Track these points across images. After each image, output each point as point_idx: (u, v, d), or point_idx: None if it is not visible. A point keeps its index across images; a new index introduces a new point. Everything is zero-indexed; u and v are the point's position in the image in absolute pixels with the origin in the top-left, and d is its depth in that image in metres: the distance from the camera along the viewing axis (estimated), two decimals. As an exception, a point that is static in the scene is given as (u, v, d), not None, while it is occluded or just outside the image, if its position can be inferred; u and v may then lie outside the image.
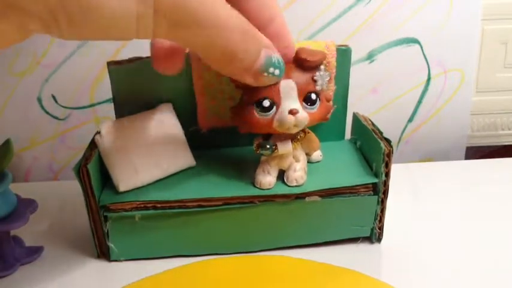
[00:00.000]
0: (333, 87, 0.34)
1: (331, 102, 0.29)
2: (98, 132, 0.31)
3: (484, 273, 0.29)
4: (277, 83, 0.27)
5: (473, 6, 0.45)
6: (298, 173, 0.30)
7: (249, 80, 0.25)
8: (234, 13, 0.22)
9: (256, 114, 0.28)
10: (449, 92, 0.48)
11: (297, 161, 0.30)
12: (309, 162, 0.33)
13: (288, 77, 0.27)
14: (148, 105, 0.32)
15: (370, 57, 0.46)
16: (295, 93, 0.27)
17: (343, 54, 0.34)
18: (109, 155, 0.30)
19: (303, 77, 0.28)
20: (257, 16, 0.25)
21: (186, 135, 0.33)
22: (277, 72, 0.25)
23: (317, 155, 0.33)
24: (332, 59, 0.33)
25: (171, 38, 0.21)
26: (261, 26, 0.25)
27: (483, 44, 0.46)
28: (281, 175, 0.30)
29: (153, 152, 0.31)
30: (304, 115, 0.27)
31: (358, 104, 0.47)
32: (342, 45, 0.34)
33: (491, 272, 0.29)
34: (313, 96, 0.28)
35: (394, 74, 0.47)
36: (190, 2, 0.20)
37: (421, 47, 0.46)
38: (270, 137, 0.29)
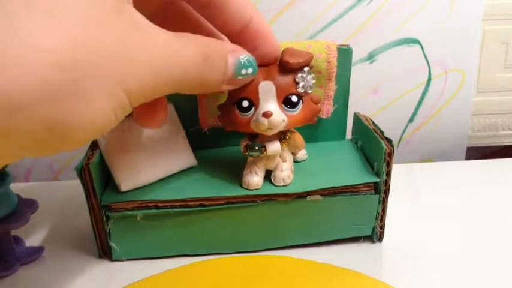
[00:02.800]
0: (333, 86, 0.34)
1: (319, 105, 0.29)
2: (99, 132, 0.31)
3: (484, 273, 0.29)
4: (256, 84, 0.27)
5: (474, 6, 0.45)
6: (285, 172, 0.30)
7: (227, 88, 0.25)
8: (191, 44, 0.21)
9: (238, 113, 0.28)
10: (450, 93, 0.48)
11: (284, 160, 0.30)
12: (294, 161, 0.33)
13: (268, 78, 0.27)
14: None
15: (370, 57, 0.46)
16: (273, 94, 0.27)
17: (344, 54, 0.34)
18: (111, 155, 0.30)
19: (284, 78, 0.27)
20: (233, 21, 0.25)
21: (187, 135, 0.33)
22: (250, 71, 0.25)
23: (302, 154, 0.33)
24: (333, 58, 0.33)
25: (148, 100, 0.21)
26: (239, 29, 0.25)
27: (484, 45, 0.46)
28: (268, 175, 0.30)
29: (155, 152, 0.31)
30: (280, 118, 0.27)
31: (359, 104, 0.47)
32: (343, 45, 0.34)
33: (491, 272, 0.29)
34: (294, 98, 0.27)
35: (394, 74, 0.47)
36: (158, 74, 0.20)
37: (422, 48, 0.46)
38: (256, 138, 0.29)
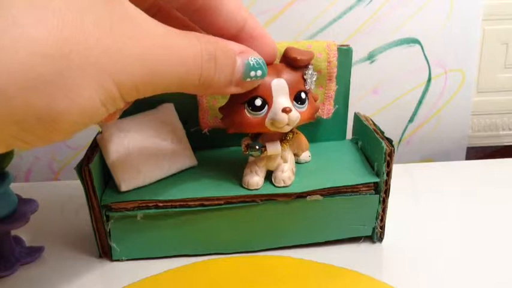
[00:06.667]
0: (334, 87, 0.34)
1: (320, 105, 0.29)
2: (100, 133, 0.31)
3: (484, 273, 0.29)
4: (269, 82, 0.27)
5: (474, 6, 0.45)
6: (286, 173, 0.30)
7: (235, 90, 0.24)
8: (193, 42, 0.21)
9: (247, 113, 0.27)
10: (450, 93, 0.48)
11: (285, 161, 0.30)
12: (297, 162, 0.33)
13: (279, 76, 0.27)
14: (150, 105, 0.32)
15: (370, 57, 0.46)
16: (286, 92, 0.27)
17: (345, 54, 0.34)
18: (111, 155, 0.30)
19: (293, 76, 0.28)
20: (228, 26, 0.24)
21: (187, 135, 0.33)
22: (259, 73, 0.25)
23: (305, 155, 0.33)
24: (333, 58, 0.33)
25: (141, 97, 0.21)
26: (234, 34, 0.25)
27: (484, 45, 0.46)
28: (268, 176, 0.30)
29: (155, 152, 0.31)
30: (296, 114, 0.27)
31: (359, 104, 0.47)
32: (343, 45, 0.34)
33: (491, 272, 0.29)
34: (303, 95, 0.28)
35: (394, 74, 0.47)
36: (152, 69, 0.19)
37: (422, 48, 0.46)
38: (258, 137, 0.29)
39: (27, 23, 0.16)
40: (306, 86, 0.28)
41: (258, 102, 0.27)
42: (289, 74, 0.27)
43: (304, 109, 0.28)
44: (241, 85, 0.24)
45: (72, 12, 0.17)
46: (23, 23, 0.16)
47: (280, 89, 0.27)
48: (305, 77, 0.28)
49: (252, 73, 0.24)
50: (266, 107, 0.27)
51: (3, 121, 0.16)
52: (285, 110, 0.27)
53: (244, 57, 0.24)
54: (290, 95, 0.27)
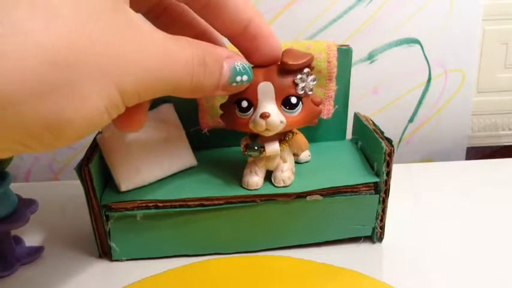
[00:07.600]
0: (334, 87, 0.34)
1: (320, 106, 0.29)
2: (100, 132, 0.31)
3: (484, 273, 0.29)
4: (255, 85, 0.27)
5: (474, 6, 0.45)
6: (285, 173, 0.30)
7: (220, 93, 0.25)
8: (185, 46, 0.21)
9: (237, 113, 0.28)
10: (450, 93, 0.48)
11: (284, 161, 0.30)
12: (297, 162, 0.33)
13: (267, 79, 0.27)
14: (150, 105, 0.32)
15: (370, 57, 0.46)
16: (272, 95, 0.27)
17: (344, 54, 0.34)
18: (111, 155, 0.30)
19: (283, 79, 0.27)
20: (234, 22, 0.25)
21: (187, 135, 0.33)
22: (245, 78, 0.25)
23: (305, 155, 0.33)
24: (333, 58, 0.33)
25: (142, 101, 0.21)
26: (240, 30, 0.25)
27: (484, 45, 0.46)
28: (268, 176, 0.30)
29: (155, 152, 0.31)
30: (278, 119, 0.27)
31: (359, 104, 0.47)
32: (343, 45, 0.34)
33: (491, 272, 0.29)
34: (293, 100, 0.27)
35: (394, 74, 0.47)
36: (153, 75, 0.20)
37: (422, 48, 0.46)
38: (257, 138, 0.29)
39: (35, 29, 0.16)
40: (297, 91, 0.27)
41: (244, 104, 0.27)
42: (278, 78, 0.27)
43: (295, 114, 0.28)
44: (227, 89, 0.25)
45: (79, 20, 0.17)
46: (30, 30, 0.16)
47: (265, 92, 0.27)
48: (296, 81, 0.27)
49: (238, 78, 0.25)
50: (252, 109, 0.27)
51: (11, 129, 0.16)
52: (262, 116, 0.27)
53: (230, 62, 0.24)
54: (277, 99, 0.27)
